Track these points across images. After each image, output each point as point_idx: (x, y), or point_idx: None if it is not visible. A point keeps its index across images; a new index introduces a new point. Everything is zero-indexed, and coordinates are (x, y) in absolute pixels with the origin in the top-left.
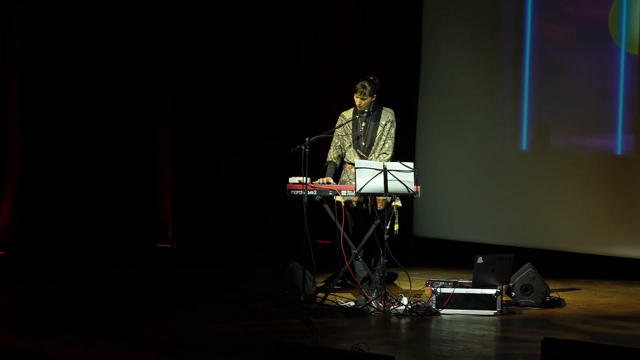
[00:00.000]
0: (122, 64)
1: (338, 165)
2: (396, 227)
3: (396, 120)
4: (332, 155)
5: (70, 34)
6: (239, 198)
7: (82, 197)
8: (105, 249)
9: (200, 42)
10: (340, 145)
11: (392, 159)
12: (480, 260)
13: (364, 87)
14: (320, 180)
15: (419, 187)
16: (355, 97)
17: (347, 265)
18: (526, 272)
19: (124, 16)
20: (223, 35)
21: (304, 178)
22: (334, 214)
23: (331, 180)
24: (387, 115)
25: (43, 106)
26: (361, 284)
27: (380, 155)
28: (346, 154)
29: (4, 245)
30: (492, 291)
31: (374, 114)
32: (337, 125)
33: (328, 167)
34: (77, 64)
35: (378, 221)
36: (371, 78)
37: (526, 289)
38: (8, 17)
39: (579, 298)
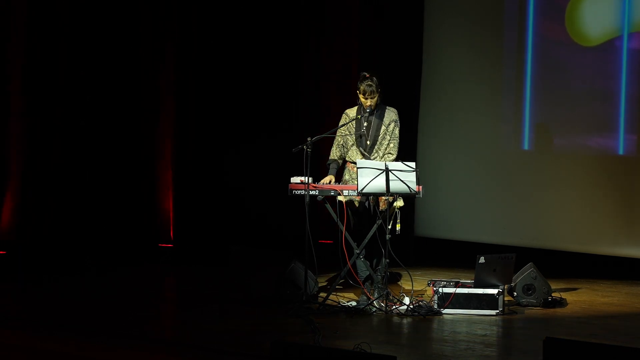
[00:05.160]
0: (123, 62)
1: (340, 164)
2: (398, 226)
3: (399, 119)
4: (334, 154)
5: (69, 32)
6: (241, 198)
7: (83, 196)
8: (107, 249)
9: (202, 40)
10: (343, 144)
11: (397, 159)
12: (482, 260)
13: (370, 86)
14: (323, 180)
15: (420, 187)
16: (363, 100)
17: (349, 265)
18: (528, 271)
19: (124, 13)
20: (225, 33)
21: (306, 178)
22: (336, 214)
23: (333, 179)
24: (391, 115)
25: (45, 105)
26: (363, 283)
27: (385, 156)
28: (349, 152)
29: (5, 245)
30: (494, 291)
31: (378, 113)
32: (340, 123)
33: (330, 165)
34: (78, 63)
35: (380, 221)
36: (367, 75)
37: (528, 289)
38: (9, 13)
39: (580, 298)
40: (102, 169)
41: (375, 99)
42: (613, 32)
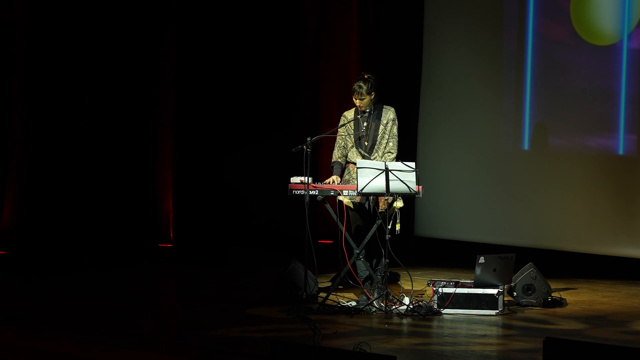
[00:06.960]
0: (123, 63)
1: (344, 165)
2: (398, 227)
3: (397, 118)
4: (336, 155)
5: (69, 32)
6: (241, 198)
7: (83, 196)
8: (107, 248)
9: (203, 41)
10: (343, 146)
11: (397, 158)
12: (482, 260)
13: (360, 87)
14: (328, 180)
15: (420, 187)
16: (354, 99)
17: (349, 265)
18: (528, 271)
19: (124, 13)
20: (225, 34)
21: (306, 178)
22: (336, 214)
23: (338, 179)
24: (388, 114)
25: (45, 106)
26: (363, 283)
27: (385, 155)
28: (349, 154)
29: (5, 245)
30: (494, 291)
31: (375, 113)
32: (339, 125)
33: (334, 167)
34: (78, 63)
35: (380, 221)
36: (366, 77)
37: (528, 289)
38: (10, 14)
39: (580, 298)
40: (102, 169)
41: (365, 100)
42: (617, 33)
